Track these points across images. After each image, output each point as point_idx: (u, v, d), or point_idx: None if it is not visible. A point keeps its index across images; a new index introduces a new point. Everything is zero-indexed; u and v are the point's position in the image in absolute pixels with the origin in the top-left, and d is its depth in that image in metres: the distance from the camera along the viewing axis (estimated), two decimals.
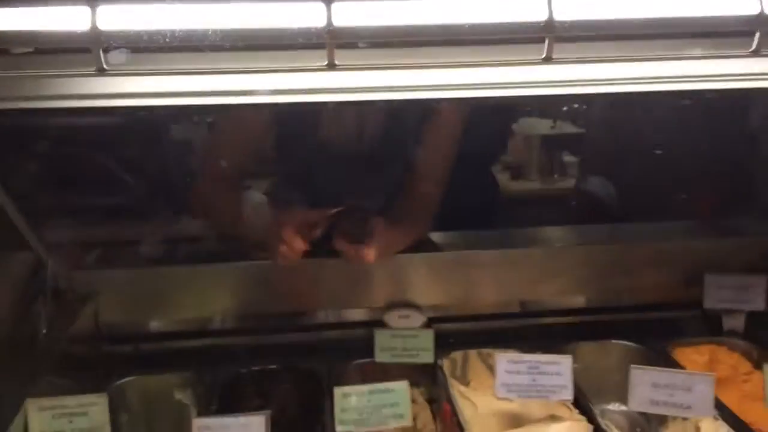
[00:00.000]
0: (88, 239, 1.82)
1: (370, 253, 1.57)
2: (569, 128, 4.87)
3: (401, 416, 1.35)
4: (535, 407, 1.46)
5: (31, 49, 1.02)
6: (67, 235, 1.76)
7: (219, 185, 1.77)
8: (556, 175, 4.40)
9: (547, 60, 0.88)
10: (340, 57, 0.89)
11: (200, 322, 1.84)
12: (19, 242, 1.59)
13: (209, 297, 1.82)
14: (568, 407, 1.47)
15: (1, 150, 1.69)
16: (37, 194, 1.72)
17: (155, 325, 1.82)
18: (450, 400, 1.54)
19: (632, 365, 1.34)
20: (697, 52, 0.90)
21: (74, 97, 0.93)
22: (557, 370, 1.34)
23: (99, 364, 1.75)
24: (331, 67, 0.87)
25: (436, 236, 2.00)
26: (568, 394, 1.36)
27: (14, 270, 1.59)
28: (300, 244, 1.53)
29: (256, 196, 1.90)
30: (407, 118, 1.82)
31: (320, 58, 0.91)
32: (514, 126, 4.22)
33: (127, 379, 1.71)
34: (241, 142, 1.78)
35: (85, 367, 1.70)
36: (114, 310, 1.76)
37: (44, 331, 1.50)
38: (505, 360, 1.36)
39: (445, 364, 1.72)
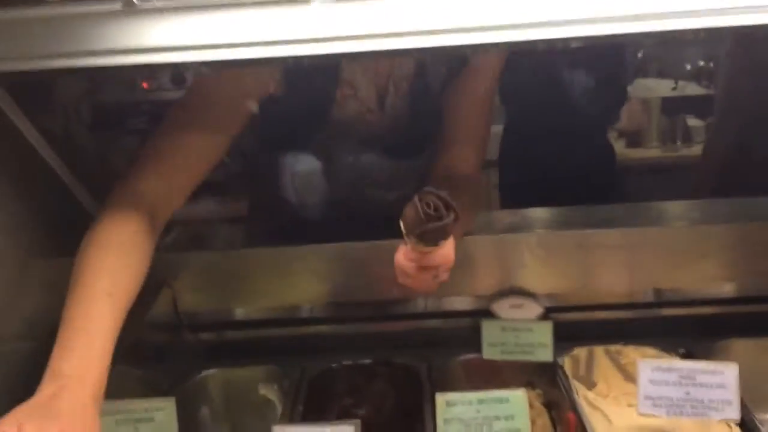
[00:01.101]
0: None
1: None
2: (693, 89, 4.41)
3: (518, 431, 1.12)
4: (685, 422, 1.18)
5: None
6: None
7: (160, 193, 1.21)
8: (679, 142, 3.98)
9: None
10: None
11: (287, 309, 1.66)
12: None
13: (297, 282, 1.62)
14: (727, 424, 1.18)
15: (61, 122, 1.56)
16: (107, 169, 1.58)
17: (238, 312, 1.66)
18: (576, 409, 1.29)
19: None
20: None
21: (103, 52, 0.72)
22: (720, 381, 1.06)
23: (179, 355, 1.61)
24: None
25: (546, 212, 1.74)
26: (734, 413, 1.07)
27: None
28: None
29: (304, 162, 1.54)
30: (437, 78, 1.51)
31: None
32: (630, 88, 3.80)
33: (209, 371, 1.58)
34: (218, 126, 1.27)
35: (165, 358, 1.57)
36: (194, 296, 1.61)
37: None
38: (649, 368, 1.09)
39: (567, 362, 1.47)
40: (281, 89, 1.37)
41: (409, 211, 1.02)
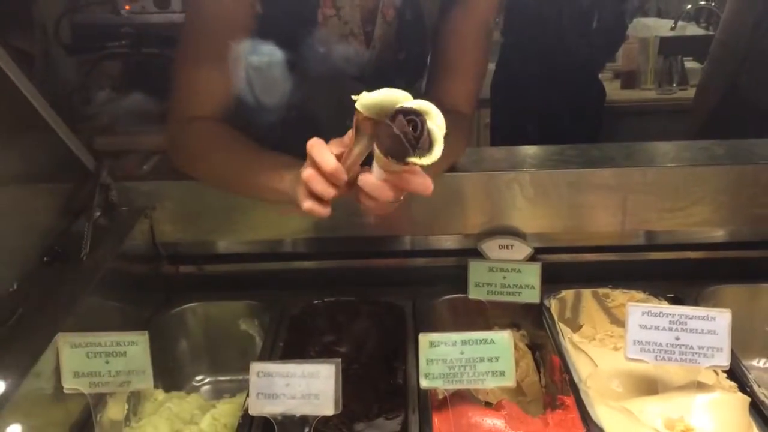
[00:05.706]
0: (143, 146, 1.60)
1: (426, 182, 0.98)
2: (693, 29, 4.30)
3: (502, 374, 1.09)
4: (671, 368, 1.16)
5: None
6: (119, 141, 1.56)
7: (202, 123, 1.31)
8: (675, 84, 3.90)
9: None
10: None
11: (270, 243, 1.61)
12: (62, 149, 1.39)
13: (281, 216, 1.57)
14: (714, 371, 1.17)
15: (39, 45, 1.48)
16: (85, 94, 1.50)
17: (219, 245, 1.61)
18: (560, 353, 1.27)
19: None
20: None
21: None
22: (711, 327, 1.03)
23: (157, 287, 1.57)
24: None
25: (538, 150, 1.68)
26: (724, 360, 1.05)
27: (56, 182, 1.40)
28: (342, 174, 0.99)
29: (284, 88, 1.39)
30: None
31: None
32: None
33: (188, 305, 1.54)
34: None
35: (142, 290, 1.53)
36: (173, 227, 1.56)
37: (86, 251, 1.30)
38: (639, 312, 1.05)
39: (553, 304, 1.44)
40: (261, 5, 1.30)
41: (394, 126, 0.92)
